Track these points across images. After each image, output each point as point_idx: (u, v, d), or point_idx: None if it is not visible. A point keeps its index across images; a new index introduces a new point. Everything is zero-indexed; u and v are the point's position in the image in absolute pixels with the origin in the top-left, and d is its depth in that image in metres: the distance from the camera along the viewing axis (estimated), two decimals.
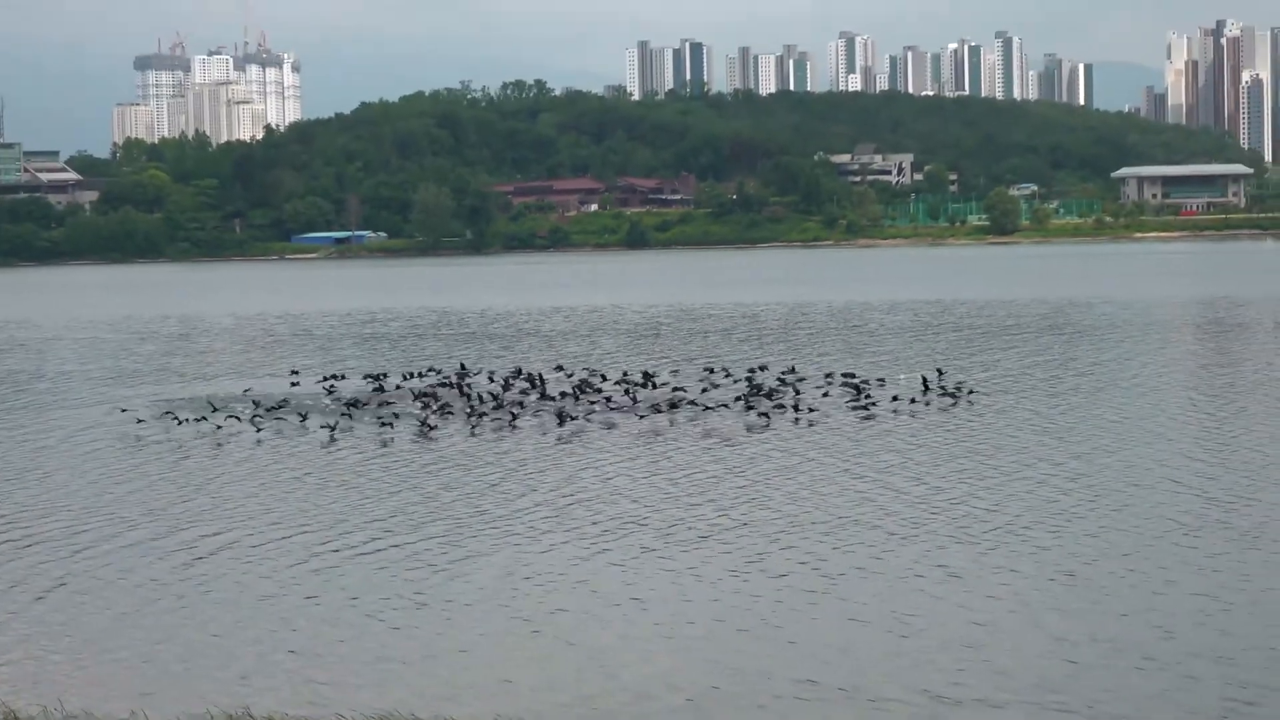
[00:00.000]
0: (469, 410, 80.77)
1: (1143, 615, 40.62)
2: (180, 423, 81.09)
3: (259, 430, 78.00)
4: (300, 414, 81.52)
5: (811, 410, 78.88)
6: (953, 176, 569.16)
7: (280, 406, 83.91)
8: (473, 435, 75.00)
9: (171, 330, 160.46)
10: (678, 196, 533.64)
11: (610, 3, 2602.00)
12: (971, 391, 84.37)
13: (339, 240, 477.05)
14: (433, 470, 65.62)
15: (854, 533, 50.89)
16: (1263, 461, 62.39)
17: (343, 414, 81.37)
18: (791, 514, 54.17)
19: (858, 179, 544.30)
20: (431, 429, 76.03)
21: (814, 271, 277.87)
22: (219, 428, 79.27)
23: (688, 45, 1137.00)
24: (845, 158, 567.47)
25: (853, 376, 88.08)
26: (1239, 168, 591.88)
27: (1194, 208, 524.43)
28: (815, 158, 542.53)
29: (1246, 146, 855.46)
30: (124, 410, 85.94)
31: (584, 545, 50.32)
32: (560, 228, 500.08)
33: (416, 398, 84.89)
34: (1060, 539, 49.26)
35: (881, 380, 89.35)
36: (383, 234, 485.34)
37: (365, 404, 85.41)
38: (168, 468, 68.34)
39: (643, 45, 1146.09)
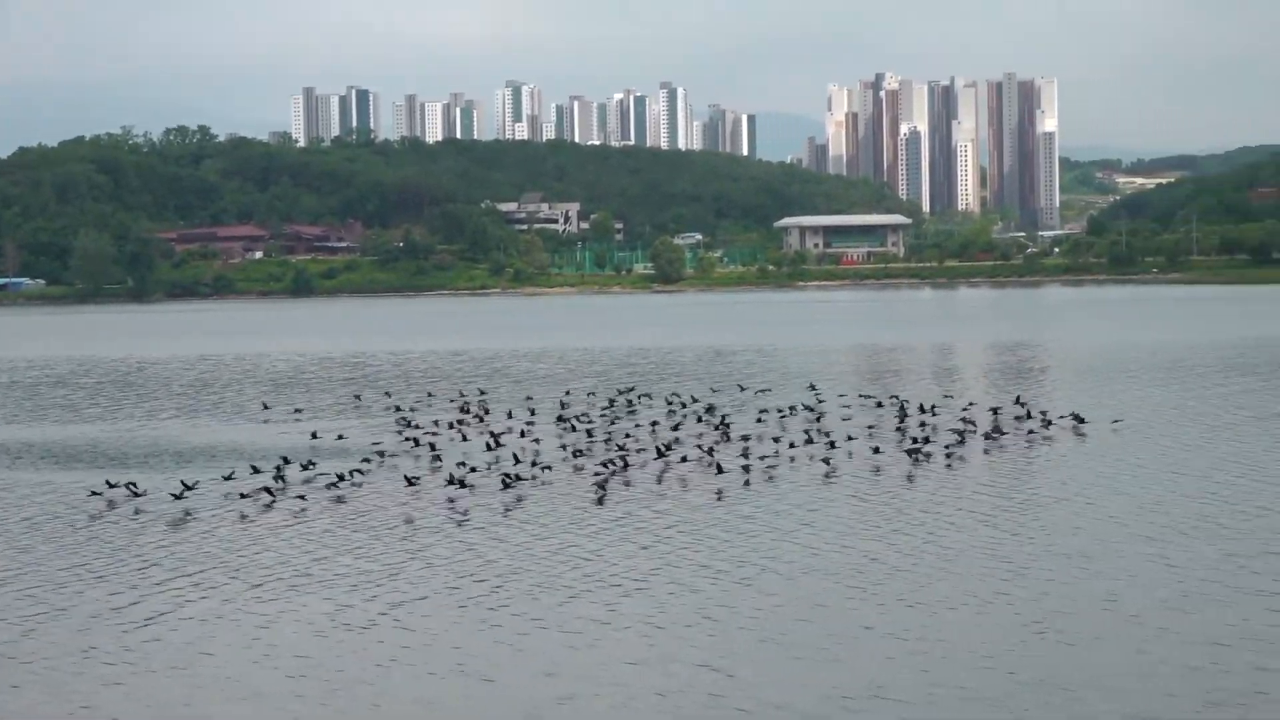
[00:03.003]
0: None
1: None
2: None
3: None
4: None
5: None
6: (619, 225, 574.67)
7: None
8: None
9: None
10: (344, 244, 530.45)
11: (276, 49, 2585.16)
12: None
13: None
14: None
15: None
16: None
17: None
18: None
19: (525, 227, 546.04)
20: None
21: (474, 320, 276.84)
22: None
23: (354, 92, 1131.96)
24: (512, 205, 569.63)
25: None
26: (898, 218, 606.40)
27: (855, 257, 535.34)
28: (482, 205, 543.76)
29: (905, 197, 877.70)
30: None
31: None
32: (225, 275, 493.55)
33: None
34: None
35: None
36: (41, 281, 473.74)
37: None
38: None
39: (308, 92, 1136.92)
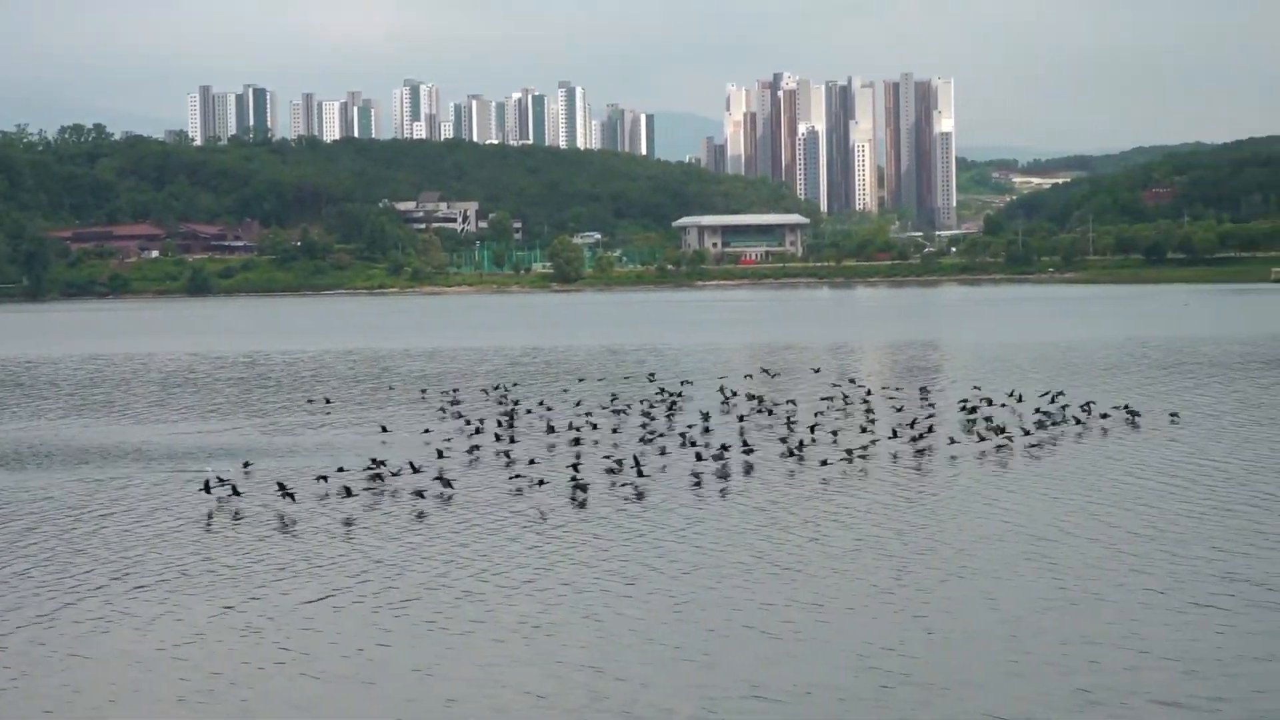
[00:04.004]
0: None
1: None
2: None
3: None
4: None
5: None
6: (517, 224, 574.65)
7: None
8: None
9: None
10: (241, 243, 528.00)
11: (172, 47, 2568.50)
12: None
13: None
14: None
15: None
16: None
17: None
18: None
19: (423, 226, 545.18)
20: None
21: (369, 320, 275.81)
22: None
23: (251, 91, 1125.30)
24: (410, 205, 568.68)
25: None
26: (796, 218, 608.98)
27: (753, 256, 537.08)
28: (380, 205, 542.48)
29: (803, 197, 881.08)
30: None
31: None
32: (121, 275, 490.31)
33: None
34: None
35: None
36: None
37: None
38: None
39: (205, 90, 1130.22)
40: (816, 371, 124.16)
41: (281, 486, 64.96)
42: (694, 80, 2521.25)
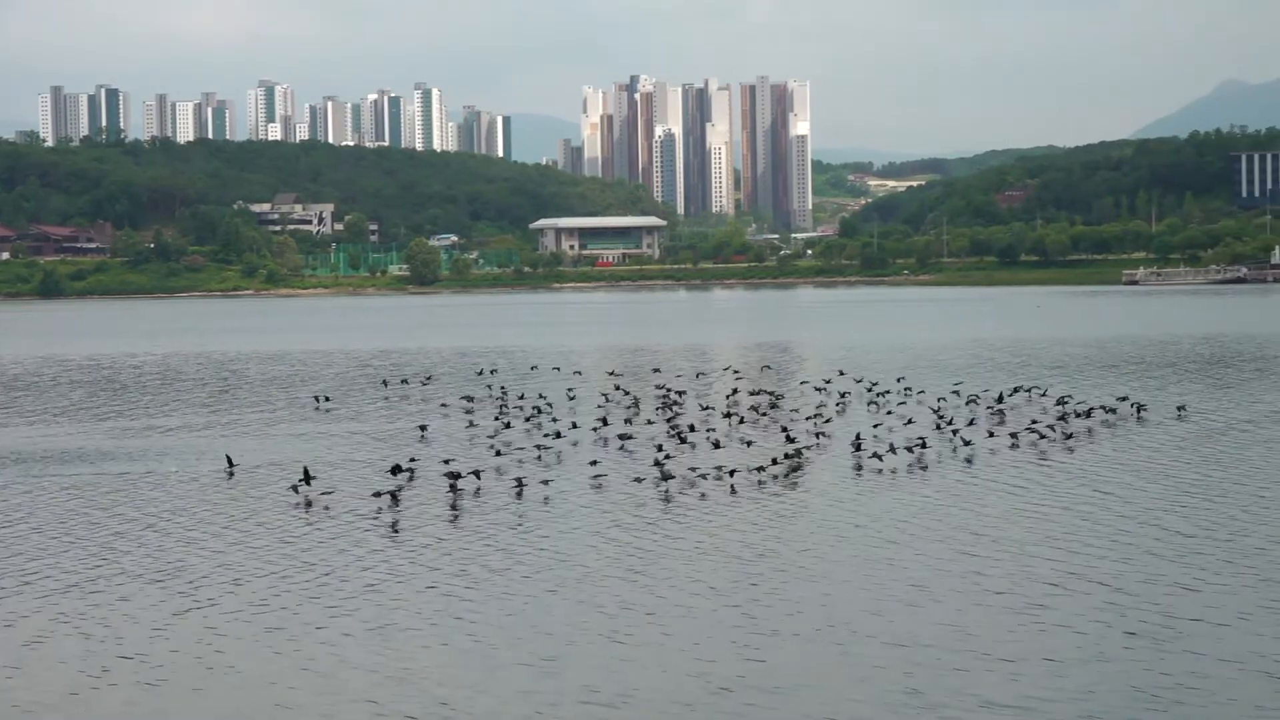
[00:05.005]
0: None
1: None
2: None
3: None
4: None
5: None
6: (373, 226, 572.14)
7: None
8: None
9: None
10: (94, 245, 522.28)
11: (22, 45, 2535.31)
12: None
13: None
14: None
15: None
16: None
17: None
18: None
19: (278, 228, 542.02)
20: None
21: (222, 322, 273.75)
22: None
23: (103, 91, 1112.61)
24: (265, 207, 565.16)
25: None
26: (653, 220, 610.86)
27: (610, 259, 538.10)
28: (235, 206, 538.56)
29: (660, 199, 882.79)
30: None
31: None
32: None
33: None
34: None
35: None
36: None
37: None
38: None
39: (56, 90, 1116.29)
40: (656, 371, 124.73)
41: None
42: (551, 83, 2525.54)
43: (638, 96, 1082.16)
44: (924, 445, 72.59)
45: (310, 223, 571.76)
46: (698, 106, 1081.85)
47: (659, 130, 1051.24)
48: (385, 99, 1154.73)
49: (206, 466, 75.13)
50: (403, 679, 38.44)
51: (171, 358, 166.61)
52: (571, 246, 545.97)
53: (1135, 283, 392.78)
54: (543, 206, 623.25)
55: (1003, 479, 66.63)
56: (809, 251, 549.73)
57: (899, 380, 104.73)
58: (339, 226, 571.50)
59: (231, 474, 71.21)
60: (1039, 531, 54.67)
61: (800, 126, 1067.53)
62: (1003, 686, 36.41)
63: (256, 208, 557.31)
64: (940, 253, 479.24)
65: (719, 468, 67.60)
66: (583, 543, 54.64)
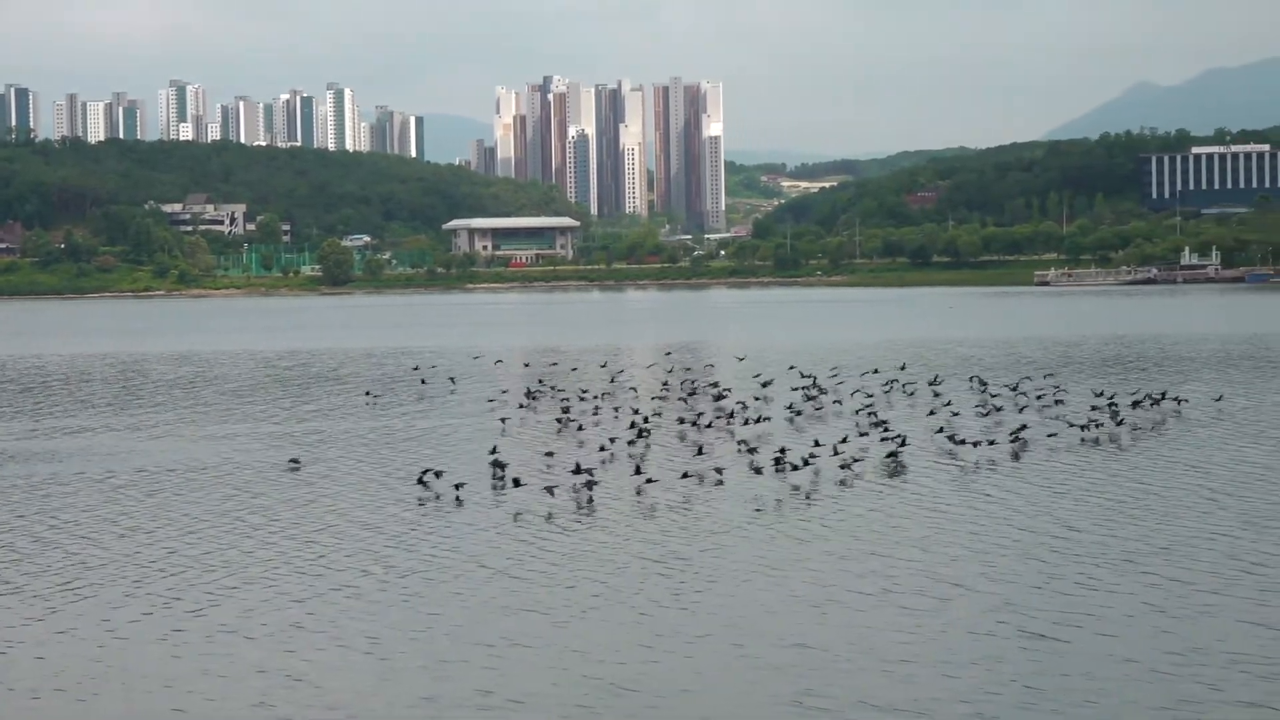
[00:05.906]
0: None
1: None
2: None
3: None
4: None
5: None
6: (286, 227, 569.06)
7: None
8: None
9: None
10: (3, 245, 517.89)
11: None
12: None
13: None
14: None
15: None
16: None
17: None
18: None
19: (190, 229, 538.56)
20: None
21: (130, 324, 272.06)
22: None
23: (13, 90, 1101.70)
24: (177, 207, 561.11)
25: None
26: (566, 220, 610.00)
27: (523, 259, 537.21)
28: (146, 207, 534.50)
29: (574, 200, 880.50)
30: None
31: None
32: None
33: None
34: None
35: None
36: None
37: None
38: None
39: None
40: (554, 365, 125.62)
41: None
42: (464, 83, 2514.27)
43: (551, 97, 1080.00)
44: (840, 453, 71.94)
45: (222, 223, 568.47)
46: (611, 107, 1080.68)
47: (572, 131, 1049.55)
48: (298, 99, 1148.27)
49: (118, 466, 74.73)
50: (298, 681, 38.31)
51: (78, 358, 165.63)
52: (485, 247, 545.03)
53: (1047, 283, 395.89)
54: (456, 207, 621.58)
55: (918, 484, 66.81)
56: (722, 252, 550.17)
57: (832, 374, 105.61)
58: (251, 227, 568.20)
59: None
60: (946, 533, 54.95)
61: (713, 127, 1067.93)
62: (893, 689, 36.60)
63: (168, 208, 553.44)
64: (853, 254, 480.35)
65: (638, 472, 67.91)
66: (486, 545, 54.62)
